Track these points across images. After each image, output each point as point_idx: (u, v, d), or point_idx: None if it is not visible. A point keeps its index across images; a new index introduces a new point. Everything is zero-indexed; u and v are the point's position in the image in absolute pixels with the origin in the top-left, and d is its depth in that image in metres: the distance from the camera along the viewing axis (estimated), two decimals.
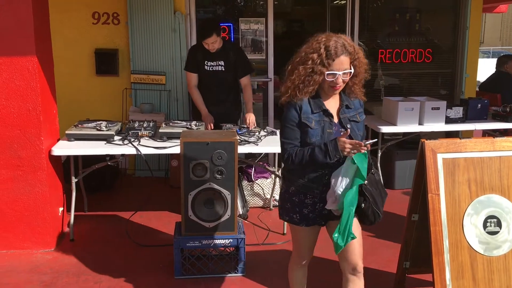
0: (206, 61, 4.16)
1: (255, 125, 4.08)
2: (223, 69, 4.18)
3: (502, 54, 6.78)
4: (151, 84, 5.17)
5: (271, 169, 4.15)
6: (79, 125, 3.69)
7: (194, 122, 3.78)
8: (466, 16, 5.54)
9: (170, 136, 3.59)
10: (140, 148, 3.42)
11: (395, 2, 5.78)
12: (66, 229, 3.73)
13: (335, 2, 6.31)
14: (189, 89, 4.26)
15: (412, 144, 4.76)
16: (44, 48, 3.41)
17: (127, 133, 3.63)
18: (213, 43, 4.01)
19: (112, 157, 3.67)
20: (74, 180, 3.57)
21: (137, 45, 5.10)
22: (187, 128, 3.66)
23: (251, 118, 4.11)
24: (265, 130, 4.02)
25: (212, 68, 4.18)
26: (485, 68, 9.00)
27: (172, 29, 5.10)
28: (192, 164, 2.92)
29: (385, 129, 4.40)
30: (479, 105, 4.59)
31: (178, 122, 3.85)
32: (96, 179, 4.55)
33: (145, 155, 3.42)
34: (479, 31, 5.79)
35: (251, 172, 4.34)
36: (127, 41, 5.13)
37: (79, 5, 5.05)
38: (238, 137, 3.25)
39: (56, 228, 3.57)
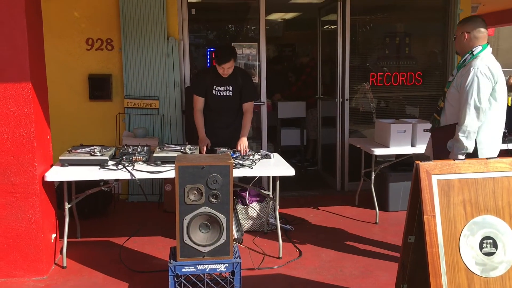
0: (214, 86, 4.19)
1: (247, 151, 4.10)
2: (231, 94, 4.23)
3: None
4: (145, 108, 5.18)
5: (265, 192, 4.14)
6: (73, 151, 3.67)
7: (188, 146, 3.78)
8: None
9: (165, 161, 3.58)
10: (134, 173, 3.41)
11: (385, 27, 5.88)
12: (59, 256, 3.68)
13: (325, 27, 6.41)
14: (194, 112, 4.26)
15: (405, 166, 4.79)
16: (38, 74, 3.42)
17: (121, 158, 3.63)
18: (229, 68, 4.07)
19: (105, 182, 3.65)
20: (67, 206, 3.53)
21: (130, 70, 5.13)
22: (181, 152, 3.65)
23: (244, 144, 4.13)
24: (259, 153, 4.03)
25: (220, 93, 4.21)
26: None
27: (165, 54, 5.14)
28: (187, 188, 2.91)
29: (378, 151, 4.42)
30: None
31: (172, 146, 3.85)
32: (89, 205, 4.51)
33: (139, 179, 3.40)
34: None
35: (246, 196, 4.33)
36: (121, 66, 5.16)
37: (73, 31, 5.10)
38: (232, 161, 3.25)
39: (48, 255, 3.52)
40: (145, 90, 5.18)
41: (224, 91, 4.21)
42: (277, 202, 3.80)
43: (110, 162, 3.57)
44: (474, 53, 3.31)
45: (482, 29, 3.33)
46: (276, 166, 3.75)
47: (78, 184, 3.81)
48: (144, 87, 5.18)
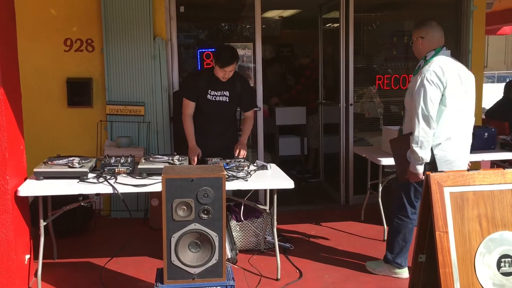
0: (209, 90, 4.21)
1: (244, 155, 4.14)
2: (227, 100, 4.25)
3: (509, 79, 6.92)
4: (129, 115, 5.19)
5: (262, 207, 4.13)
6: (49, 162, 3.66)
7: (176, 157, 3.78)
8: (468, 39, 5.69)
9: (150, 173, 3.58)
10: (117, 186, 3.40)
11: (392, 25, 5.92)
12: (33, 280, 3.65)
13: (327, 25, 6.45)
14: (183, 118, 4.28)
15: None
16: (10, 78, 3.41)
17: (102, 170, 3.62)
18: (231, 71, 4.11)
19: (85, 197, 3.64)
20: (42, 223, 3.51)
21: (113, 73, 5.14)
22: (169, 163, 3.65)
23: (242, 151, 4.16)
24: (255, 164, 4.03)
25: (215, 98, 4.23)
26: (490, 94, 9.18)
27: (151, 56, 5.16)
28: (175, 203, 2.90)
29: (386, 161, 4.42)
30: (486, 134, 4.65)
31: (159, 157, 3.85)
32: (67, 222, 4.49)
33: (123, 194, 3.39)
34: (482, 55, 5.93)
35: (240, 211, 4.32)
36: (102, 69, 5.16)
37: (50, 31, 5.10)
38: (225, 172, 3.25)
39: (21, 278, 3.49)
40: (129, 95, 5.19)
41: (220, 96, 4.23)
42: (275, 217, 3.80)
43: (90, 175, 3.56)
44: (427, 58, 3.53)
45: (436, 33, 3.54)
46: (274, 178, 3.75)
47: (55, 199, 3.79)
48: (128, 92, 5.18)
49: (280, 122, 6.73)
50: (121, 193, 3.37)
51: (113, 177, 3.54)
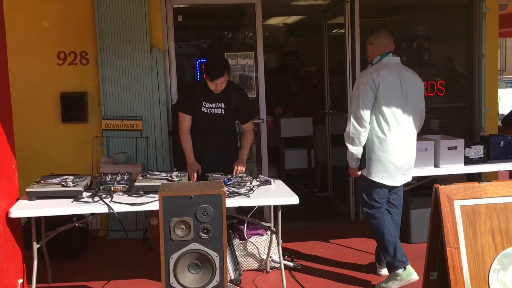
0: (204, 102, 4.26)
1: (241, 171, 4.17)
2: (223, 112, 4.29)
3: None
4: (126, 130, 5.23)
5: (266, 224, 4.14)
6: (42, 182, 3.70)
7: (175, 173, 3.81)
8: (480, 42, 5.70)
9: (148, 190, 3.60)
10: (112, 205, 3.42)
11: (400, 30, 5.94)
12: None
13: (333, 31, 6.49)
14: (180, 132, 4.33)
15: (428, 190, 4.75)
16: (0, 95, 3.46)
17: (97, 188, 3.65)
18: (222, 83, 4.14)
19: (80, 217, 3.66)
20: (35, 246, 3.54)
21: (108, 87, 5.20)
22: (167, 180, 3.68)
23: (239, 168, 4.20)
24: (258, 179, 4.05)
25: (210, 110, 4.27)
26: (510, 99, 9.15)
27: (149, 68, 5.21)
28: (173, 222, 2.92)
29: None
30: (502, 143, 4.66)
31: (157, 173, 3.88)
32: (61, 244, 4.50)
33: (119, 213, 3.42)
34: (496, 59, 5.94)
35: (243, 229, 4.34)
36: (97, 83, 5.22)
37: (42, 44, 5.16)
38: (226, 189, 3.27)
39: None
40: (126, 110, 5.24)
41: (215, 108, 4.27)
42: (280, 235, 3.81)
43: (85, 194, 3.59)
44: (373, 62, 4.04)
45: (383, 40, 4.04)
46: (277, 194, 3.77)
47: (49, 220, 3.82)
48: (124, 106, 5.24)
49: (286, 134, 6.75)
50: (117, 212, 3.39)
51: (109, 196, 3.57)
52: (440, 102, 5.76)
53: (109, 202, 3.47)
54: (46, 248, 4.02)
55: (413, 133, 4.03)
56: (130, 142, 5.26)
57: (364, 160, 3.97)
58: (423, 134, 5.18)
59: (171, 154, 5.34)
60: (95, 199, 3.51)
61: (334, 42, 6.37)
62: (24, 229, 3.76)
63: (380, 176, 3.93)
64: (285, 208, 3.78)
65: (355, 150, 3.93)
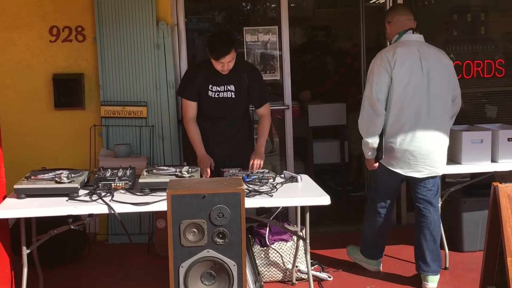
0: (210, 85, 4.26)
1: (260, 167, 4.18)
2: (234, 96, 4.29)
3: None
4: (128, 118, 5.26)
5: (292, 228, 4.13)
6: (32, 177, 3.73)
7: (185, 168, 3.81)
8: None
9: (154, 188, 3.61)
10: (113, 205, 3.44)
11: (451, 0, 5.87)
12: None
13: (370, 2, 6.44)
14: (185, 123, 4.34)
15: (484, 189, 4.72)
16: None
17: (96, 185, 3.67)
18: (230, 61, 4.13)
19: (76, 218, 3.69)
20: (25, 251, 3.58)
21: (108, 67, 5.23)
22: (177, 176, 3.68)
23: (256, 161, 4.19)
24: (282, 175, 4.04)
25: (218, 94, 4.27)
26: None
27: (155, 45, 5.22)
28: (184, 225, 2.93)
29: (447, 169, 4.38)
30: None
31: (165, 168, 3.89)
32: (55, 249, 4.56)
33: (121, 214, 3.44)
34: None
35: (265, 234, 4.33)
36: (96, 63, 5.25)
37: (32, 19, 5.20)
38: (245, 186, 3.27)
39: None
40: (128, 94, 5.27)
41: (224, 91, 4.27)
42: (308, 241, 3.80)
43: (81, 192, 3.62)
44: (392, 42, 4.28)
45: (401, 17, 4.23)
46: (305, 193, 3.75)
47: (40, 222, 3.86)
48: (127, 89, 5.26)
49: (315, 123, 6.71)
50: (118, 213, 3.41)
51: (109, 194, 3.59)
52: (499, 84, 5.69)
53: (109, 201, 3.48)
54: (38, 253, 4.05)
55: (439, 118, 4.12)
56: (133, 132, 5.28)
57: (381, 151, 4.12)
58: (478, 123, 5.13)
59: (181, 146, 5.36)
60: (93, 198, 3.53)
61: (372, 15, 6.31)
62: (12, 232, 3.80)
63: (394, 164, 4.15)
64: (314, 210, 3.77)
65: (370, 139, 4.10)
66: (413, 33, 4.18)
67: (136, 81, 5.26)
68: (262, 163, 4.23)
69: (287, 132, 5.57)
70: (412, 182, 4.27)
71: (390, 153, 4.13)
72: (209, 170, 4.11)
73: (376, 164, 4.23)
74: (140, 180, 3.65)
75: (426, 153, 4.09)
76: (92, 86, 5.30)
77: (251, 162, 4.19)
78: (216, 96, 4.27)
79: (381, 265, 4.52)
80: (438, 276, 4.23)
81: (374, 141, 4.09)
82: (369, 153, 4.17)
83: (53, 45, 5.25)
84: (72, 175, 3.73)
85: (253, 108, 4.50)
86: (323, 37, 9.09)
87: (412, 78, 4.03)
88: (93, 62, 5.27)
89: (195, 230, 2.94)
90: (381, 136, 4.11)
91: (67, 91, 5.26)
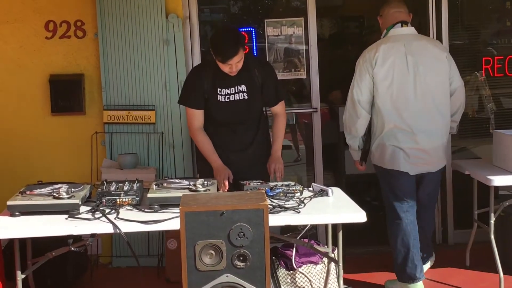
0: (219, 89, 4.26)
1: (282, 175, 4.19)
2: (246, 97, 4.29)
3: None
4: (134, 124, 5.30)
5: (322, 249, 4.12)
6: (27, 192, 3.75)
7: (200, 181, 3.82)
8: None
9: (165, 204, 3.62)
10: (118, 223, 3.46)
11: None
12: None
13: None
14: (192, 134, 4.35)
15: None
16: None
17: (99, 201, 3.69)
18: (238, 62, 4.12)
19: (77, 238, 3.71)
20: (20, 276, 3.59)
21: (112, 67, 5.27)
22: (190, 190, 3.69)
23: (277, 166, 4.19)
24: (310, 188, 4.04)
25: (229, 97, 4.27)
26: None
27: (164, 41, 5.25)
28: (199, 247, 2.93)
29: (499, 180, 4.37)
30: None
31: (176, 181, 3.89)
32: (53, 273, 4.58)
33: (127, 234, 3.45)
34: None
35: (292, 256, 4.32)
36: (97, 61, 5.30)
37: (26, 12, 5.25)
38: (268, 201, 3.27)
39: None
40: (134, 97, 5.31)
41: (235, 93, 4.27)
42: (341, 264, 3.78)
43: (82, 208, 3.63)
44: (382, 37, 4.55)
45: (390, 10, 4.52)
46: (338, 208, 3.73)
47: (37, 243, 3.88)
48: (132, 91, 5.31)
49: None
50: (124, 232, 3.42)
51: (113, 211, 3.60)
52: None
53: (114, 219, 3.50)
54: (33, 278, 4.08)
55: (431, 116, 4.36)
56: (140, 140, 5.32)
57: (366, 152, 4.60)
58: None
59: (194, 156, 5.36)
60: (96, 215, 3.55)
61: (411, 2, 6.27)
62: (5, 254, 3.84)
63: (393, 163, 4.39)
64: (347, 228, 3.75)
65: (352, 141, 4.60)
66: (402, 26, 4.45)
67: (143, 82, 5.30)
68: (282, 168, 4.25)
69: (315, 138, 5.57)
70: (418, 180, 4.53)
71: (382, 152, 4.43)
72: (227, 183, 4.11)
73: (364, 167, 4.71)
74: (149, 195, 3.66)
75: (421, 151, 4.36)
76: (93, 88, 5.35)
77: (271, 169, 4.22)
78: (226, 100, 4.26)
79: None
80: (429, 263, 4.76)
81: (355, 143, 4.58)
82: (354, 154, 4.67)
83: (50, 42, 5.30)
84: (72, 189, 3.74)
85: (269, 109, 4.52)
86: (356, 29, 9.04)
87: (396, 76, 4.31)
88: (95, 61, 5.32)
89: (212, 252, 2.95)
90: (368, 137, 4.55)
91: (66, 94, 5.30)
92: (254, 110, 4.37)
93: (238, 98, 4.27)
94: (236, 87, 4.26)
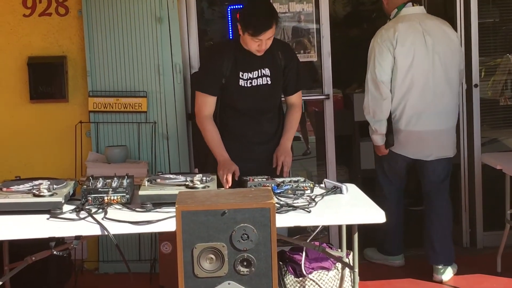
0: (241, 72, 4.25)
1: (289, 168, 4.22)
2: (269, 82, 4.30)
3: None
4: (124, 112, 5.30)
5: (335, 253, 4.12)
6: (4, 189, 3.76)
7: (198, 176, 3.82)
8: None
9: (158, 202, 3.62)
10: (106, 224, 3.45)
11: None
12: None
13: None
14: (200, 121, 4.31)
15: None
16: None
17: (84, 199, 3.68)
18: (269, 39, 4.12)
19: (59, 241, 3.71)
20: None
21: (98, 48, 5.27)
22: (187, 186, 3.69)
23: (286, 159, 4.21)
24: (322, 185, 4.03)
25: (251, 82, 4.28)
26: None
27: (156, 19, 5.24)
28: (198, 250, 2.93)
29: None
30: None
31: (171, 177, 3.89)
32: (33, 280, 4.59)
33: (116, 236, 3.45)
34: None
35: (301, 261, 4.32)
36: (82, 42, 5.29)
37: None
38: (275, 200, 3.26)
39: None
40: (123, 82, 5.30)
41: (258, 77, 4.27)
42: (356, 269, 3.77)
43: (66, 207, 3.63)
44: (391, 18, 4.87)
45: None
46: (353, 207, 3.73)
47: (15, 246, 3.89)
48: (121, 76, 5.30)
49: (362, 117, 6.66)
50: (113, 234, 3.42)
51: (101, 210, 3.60)
52: None
53: (102, 219, 3.50)
54: (11, 285, 4.09)
55: (446, 97, 4.81)
56: (130, 130, 5.33)
57: (391, 135, 4.84)
58: None
59: (191, 148, 5.37)
60: (81, 215, 3.55)
61: None
62: None
63: (399, 147, 4.85)
64: (363, 230, 3.75)
65: (378, 124, 4.84)
66: (413, 5, 4.80)
67: (133, 65, 5.29)
68: (290, 161, 4.26)
69: (327, 128, 5.56)
70: (420, 166, 4.97)
71: (395, 136, 4.82)
72: (230, 178, 4.10)
73: (387, 151, 4.93)
74: (140, 193, 3.65)
75: (433, 135, 4.80)
76: (77, 72, 5.35)
77: (280, 161, 4.21)
78: (249, 85, 4.26)
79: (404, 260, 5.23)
80: (451, 269, 4.90)
81: (382, 126, 4.82)
82: (379, 139, 4.91)
83: (28, 20, 5.29)
84: (54, 186, 3.74)
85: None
86: (372, 5, 9.04)
87: (416, 56, 4.69)
88: (79, 41, 5.31)
89: (212, 256, 2.95)
90: (389, 120, 4.81)
91: (46, 78, 5.29)
92: (274, 98, 4.39)
93: (261, 83, 4.28)
94: (260, 71, 4.27)
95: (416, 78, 4.72)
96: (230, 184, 4.09)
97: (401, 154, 4.90)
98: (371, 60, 4.74)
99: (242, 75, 4.25)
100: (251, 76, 4.26)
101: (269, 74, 4.27)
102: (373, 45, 4.80)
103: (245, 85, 4.26)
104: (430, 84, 4.74)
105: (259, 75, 4.26)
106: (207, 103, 4.27)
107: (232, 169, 4.14)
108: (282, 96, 4.50)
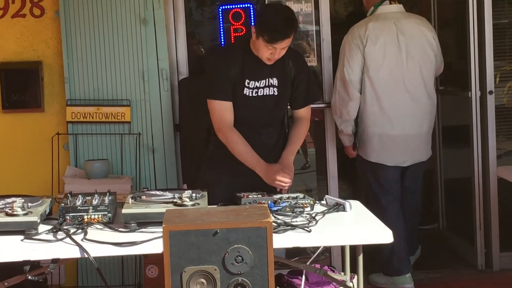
0: (247, 80, 4.26)
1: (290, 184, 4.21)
2: (276, 93, 4.31)
3: None
4: (105, 123, 5.30)
5: (338, 276, 4.12)
6: None
7: (187, 192, 3.81)
8: None
9: (143, 221, 3.61)
10: (86, 246, 3.45)
11: None
12: None
13: None
14: (224, 135, 4.25)
15: None
16: None
17: (62, 218, 3.68)
18: (284, 49, 4.13)
19: (35, 265, 3.69)
20: None
21: (76, 53, 5.27)
22: (175, 204, 3.68)
23: (286, 179, 4.20)
24: (324, 201, 4.03)
25: (257, 92, 4.29)
26: None
27: (141, 20, 5.24)
28: (187, 274, 2.93)
29: None
30: None
31: (158, 193, 3.89)
32: None
33: (97, 259, 3.44)
34: None
35: (300, 285, 4.32)
36: (59, 46, 5.30)
37: None
38: (272, 218, 3.26)
39: None
40: (104, 89, 5.31)
41: (264, 87, 4.28)
42: None
43: (42, 227, 3.62)
44: (368, 16, 5.11)
45: None
46: (357, 226, 3.73)
47: None
48: (102, 83, 5.31)
49: None
50: (93, 257, 3.41)
51: (80, 231, 3.59)
52: None
53: (81, 240, 3.49)
54: None
55: (420, 99, 5.03)
56: (112, 142, 5.33)
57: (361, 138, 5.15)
58: None
59: (178, 161, 5.37)
60: (59, 236, 3.54)
61: None
62: None
63: (377, 156, 5.05)
64: (368, 251, 3.75)
65: (344, 125, 5.13)
66: (390, 3, 5.03)
67: (116, 71, 5.31)
68: (290, 178, 4.24)
69: (328, 140, 5.58)
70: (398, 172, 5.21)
71: (369, 142, 5.07)
72: (287, 179, 4.16)
73: (355, 152, 5.25)
74: (124, 211, 3.65)
75: (409, 138, 5.04)
76: (54, 79, 5.35)
77: (276, 178, 4.19)
78: (254, 94, 4.27)
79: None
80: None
81: (348, 127, 5.11)
82: (346, 140, 5.24)
83: (0, 22, 5.29)
84: (29, 204, 3.73)
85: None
86: None
87: (388, 56, 4.92)
88: (55, 45, 5.32)
89: (203, 280, 2.94)
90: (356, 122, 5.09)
91: (20, 86, 5.31)
92: (280, 109, 4.42)
93: (267, 93, 4.30)
94: (267, 80, 4.28)
95: (388, 79, 4.95)
96: (289, 184, 4.19)
97: (385, 164, 5.07)
98: (341, 58, 5.00)
99: (248, 84, 4.26)
100: (258, 85, 4.26)
101: (276, 84, 4.28)
102: (344, 43, 5.04)
103: (250, 94, 4.27)
104: (403, 86, 4.96)
105: (266, 84, 4.27)
106: (228, 110, 4.25)
107: (280, 169, 4.18)
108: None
